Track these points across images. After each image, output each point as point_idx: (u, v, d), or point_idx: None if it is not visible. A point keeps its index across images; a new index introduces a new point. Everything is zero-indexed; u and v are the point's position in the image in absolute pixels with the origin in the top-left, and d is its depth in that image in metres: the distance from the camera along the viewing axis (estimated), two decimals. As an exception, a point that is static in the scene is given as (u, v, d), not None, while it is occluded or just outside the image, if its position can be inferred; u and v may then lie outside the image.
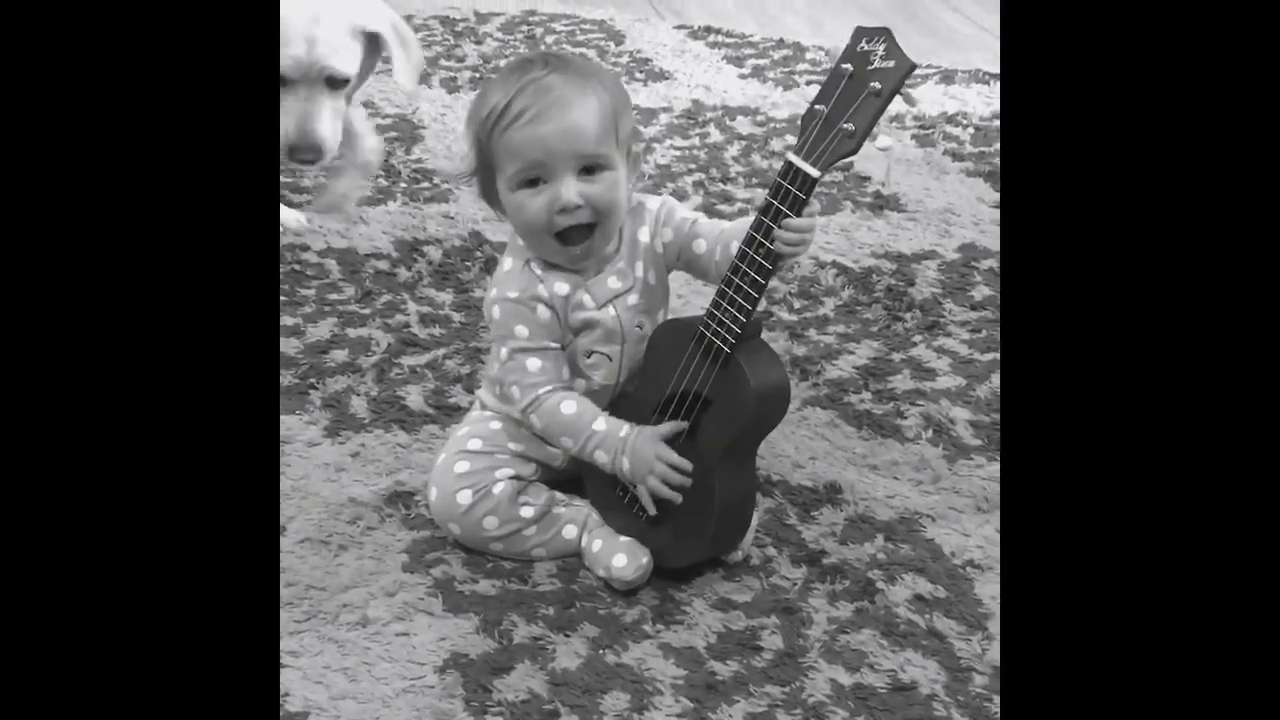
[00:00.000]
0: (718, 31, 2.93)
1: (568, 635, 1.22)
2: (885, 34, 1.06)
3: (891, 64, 1.06)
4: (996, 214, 2.05)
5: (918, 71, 2.61)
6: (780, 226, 1.13)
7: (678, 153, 2.28)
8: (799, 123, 1.12)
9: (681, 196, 2.07)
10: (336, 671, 1.18)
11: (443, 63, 2.71)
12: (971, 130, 2.37)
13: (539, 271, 1.25)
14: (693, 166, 2.22)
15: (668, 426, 1.24)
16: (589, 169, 1.19)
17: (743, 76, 2.65)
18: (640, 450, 1.22)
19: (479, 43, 2.84)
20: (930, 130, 2.37)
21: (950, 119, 2.42)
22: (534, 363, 1.24)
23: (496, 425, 1.33)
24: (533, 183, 1.20)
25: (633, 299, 1.27)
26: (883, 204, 2.08)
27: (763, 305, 1.77)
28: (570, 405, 1.24)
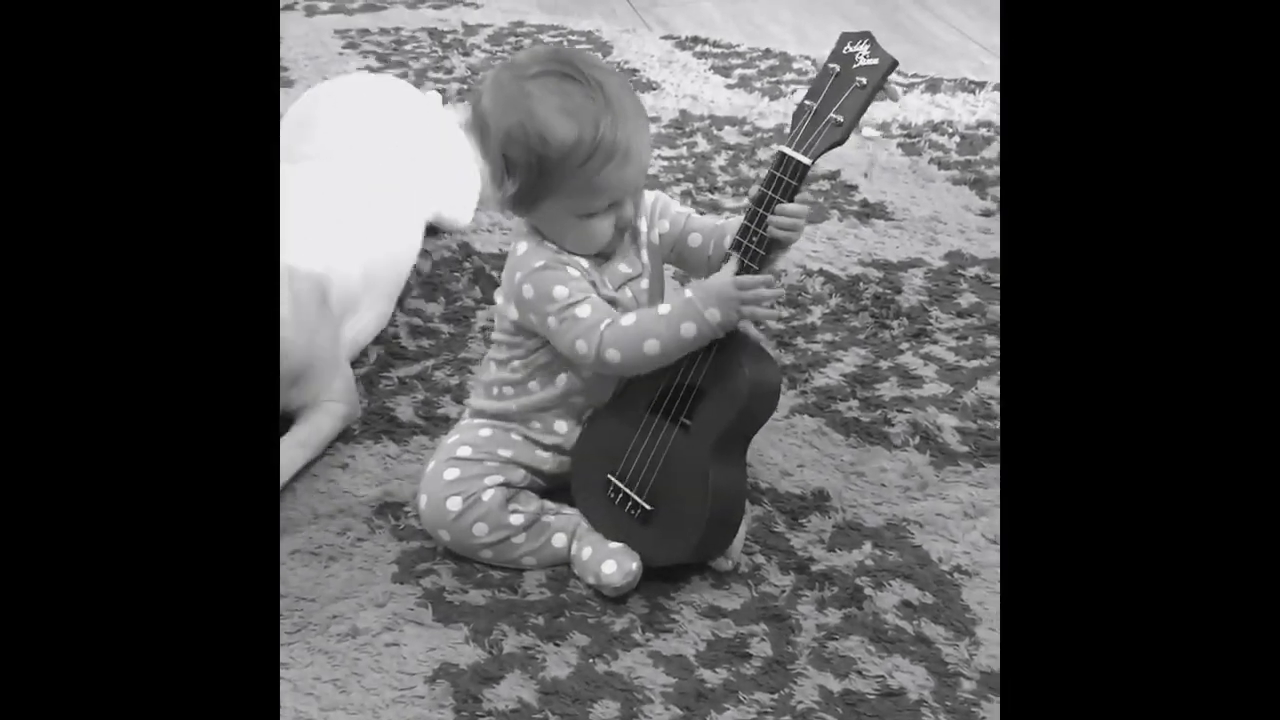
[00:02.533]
0: (704, 42, 2.94)
1: (558, 644, 1.22)
2: (868, 36, 1.15)
3: (875, 61, 1.14)
4: (982, 221, 2.06)
5: (903, 80, 2.64)
6: (774, 213, 1.17)
7: (665, 163, 2.29)
8: (790, 120, 1.19)
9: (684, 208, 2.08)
10: (326, 683, 1.18)
11: (431, 74, 2.72)
12: (957, 138, 2.38)
13: (553, 249, 1.27)
14: (680, 176, 2.23)
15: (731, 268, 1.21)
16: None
17: (729, 86, 2.66)
18: (719, 292, 1.19)
19: (467, 54, 2.85)
20: (916, 139, 2.38)
21: (936, 127, 2.43)
22: (584, 309, 1.23)
23: (486, 432, 1.34)
24: (606, 209, 1.22)
25: (643, 283, 1.31)
26: (869, 212, 2.09)
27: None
28: (630, 317, 1.23)
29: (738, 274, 1.20)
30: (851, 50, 1.15)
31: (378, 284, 1.69)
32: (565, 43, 2.94)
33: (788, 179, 1.18)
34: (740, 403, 1.22)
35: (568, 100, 1.18)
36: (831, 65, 1.16)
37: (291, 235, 1.52)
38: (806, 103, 1.17)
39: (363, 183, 1.73)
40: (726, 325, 1.20)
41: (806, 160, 1.16)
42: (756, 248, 1.19)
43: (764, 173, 1.21)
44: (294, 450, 1.46)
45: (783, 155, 1.18)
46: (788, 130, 1.19)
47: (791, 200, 1.18)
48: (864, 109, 1.15)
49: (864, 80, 1.14)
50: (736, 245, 1.21)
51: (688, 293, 1.21)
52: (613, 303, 1.27)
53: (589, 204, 1.21)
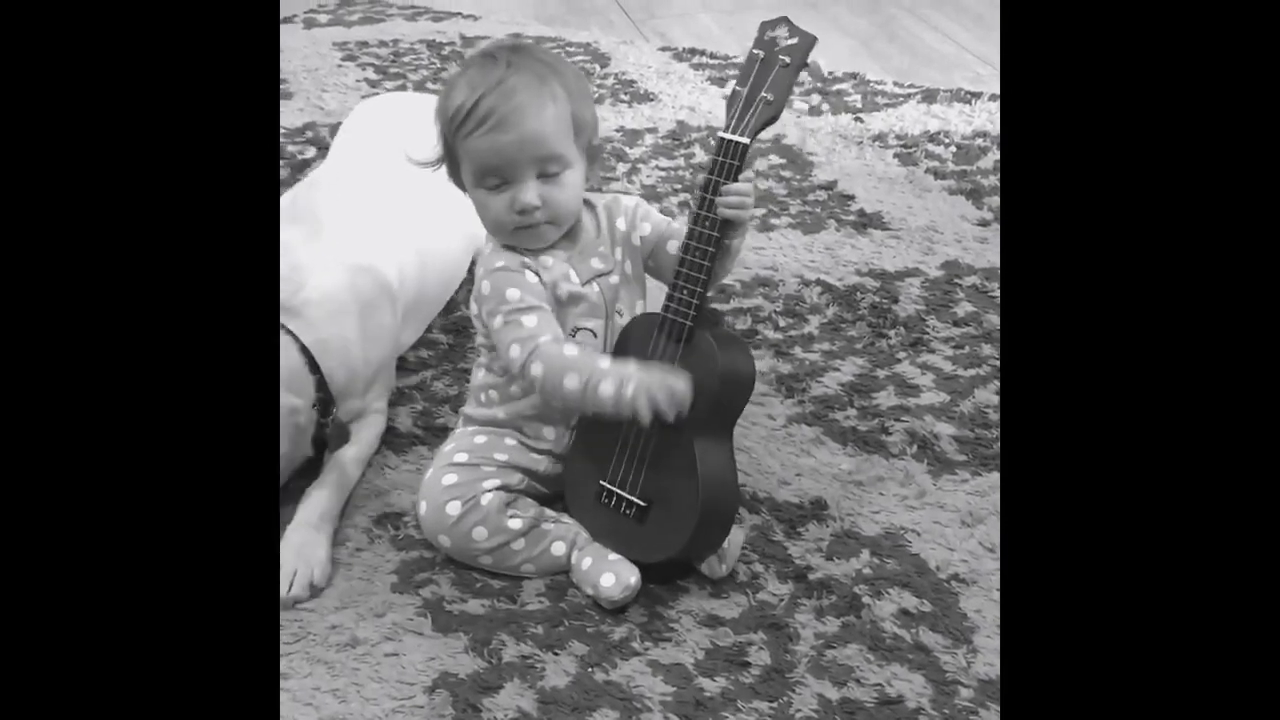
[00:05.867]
0: (701, 53, 2.95)
1: (556, 653, 1.23)
2: (785, 20, 1.24)
3: (795, 40, 1.22)
4: (979, 231, 2.07)
5: (899, 91, 2.66)
6: (722, 194, 1.23)
7: (663, 173, 2.29)
8: (725, 107, 1.26)
9: (668, 217, 2.08)
10: (326, 693, 1.19)
11: (429, 86, 2.73)
12: (953, 149, 2.39)
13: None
14: (678, 187, 2.24)
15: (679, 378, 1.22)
16: (547, 171, 1.25)
17: (726, 97, 2.67)
18: (647, 377, 1.20)
19: (465, 66, 2.86)
20: (912, 149, 2.39)
21: (932, 138, 2.44)
22: (530, 319, 1.26)
23: (482, 439, 1.35)
24: (493, 184, 1.25)
25: (614, 279, 1.33)
26: (866, 222, 2.10)
27: (748, 323, 1.79)
28: (573, 348, 1.25)
29: (686, 258, 1.25)
30: (772, 35, 1.23)
31: (425, 304, 1.72)
32: (563, 54, 2.95)
33: (730, 160, 1.23)
34: (716, 382, 1.25)
35: (476, 73, 1.24)
36: (755, 51, 1.23)
37: (366, 234, 1.57)
38: (737, 89, 1.24)
39: (426, 204, 1.72)
40: (633, 403, 1.19)
41: (745, 140, 1.23)
42: (710, 230, 1.24)
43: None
44: (352, 467, 1.48)
45: (723, 140, 1.24)
46: (723, 119, 1.26)
47: (736, 180, 1.23)
48: (791, 84, 1.23)
49: (787, 59, 1.22)
50: (691, 233, 1.25)
51: (630, 365, 1.22)
52: (579, 298, 1.30)
53: (474, 171, 1.25)
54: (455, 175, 1.31)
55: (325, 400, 1.45)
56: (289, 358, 1.41)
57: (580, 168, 1.28)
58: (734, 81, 1.25)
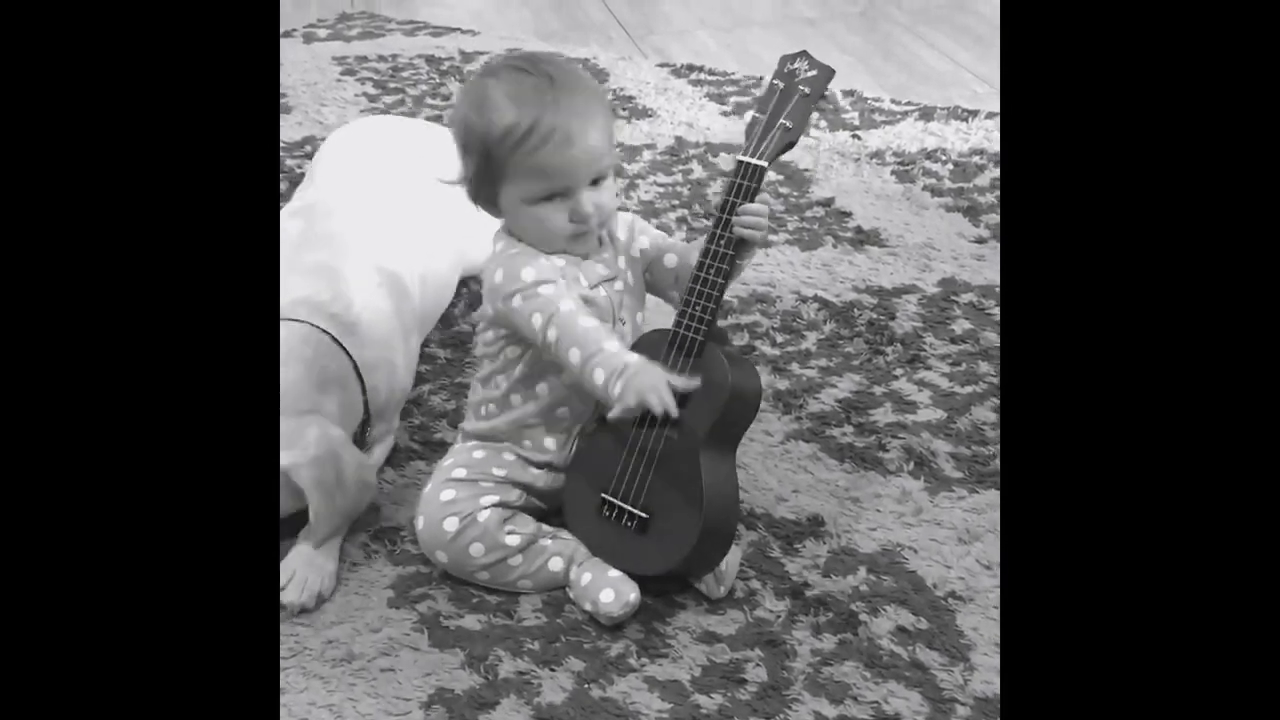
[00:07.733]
0: (700, 69, 2.96)
1: (553, 669, 1.22)
2: (805, 54, 1.30)
3: (815, 73, 1.28)
4: (975, 248, 2.07)
5: (897, 108, 2.67)
6: (738, 214, 1.25)
7: (661, 189, 2.30)
8: (744, 134, 1.30)
9: (665, 232, 2.09)
10: (322, 708, 1.18)
11: (428, 101, 2.74)
12: (950, 166, 2.40)
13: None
14: (676, 203, 2.24)
15: (677, 378, 1.23)
16: (596, 179, 1.28)
17: (724, 114, 2.68)
18: (640, 378, 1.21)
19: (463, 81, 2.87)
20: (909, 166, 2.40)
21: (929, 155, 2.45)
22: (547, 288, 1.27)
23: (481, 454, 1.35)
24: (550, 197, 1.26)
25: (618, 285, 1.35)
26: (863, 239, 2.10)
27: (746, 339, 1.80)
28: (590, 321, 1.26)
29: (700, 275, 1.26)
30: (792, 67, 1.29)
31: (424, 324, 1.72)
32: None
33: (747, 182, 1.27)
34: (725, 396, 1.26)
35: (515, 88, 1.25)
36: (775, 82, 1.29)
37: (394, 258, 1.59)
38: (757, 115, 1.29)
39: (422, 226, 1.73)
40: (619, 401, 1.21)
41: (763, 163, 1.27)
42: (725, 249, 1.27)
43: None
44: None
45: (741, 162, 1.28)
46: (742, 144, 1.29)
47: (752, 201, 1.27)
48: (810, 113, 1.28)
49: (807, 90, 1.27)
50: (706, 251, 1.27)
51: (629, 357, 1.23)
52: (588, 301, 1.31)
53: (534, 187, 1.26)
54: (486, 194, 1.30)
55: (364, 420, 1.45)
56: (353, 396, 1.41)
57: (613, 172, 1.31)
58: (753, 109, 1.29)
